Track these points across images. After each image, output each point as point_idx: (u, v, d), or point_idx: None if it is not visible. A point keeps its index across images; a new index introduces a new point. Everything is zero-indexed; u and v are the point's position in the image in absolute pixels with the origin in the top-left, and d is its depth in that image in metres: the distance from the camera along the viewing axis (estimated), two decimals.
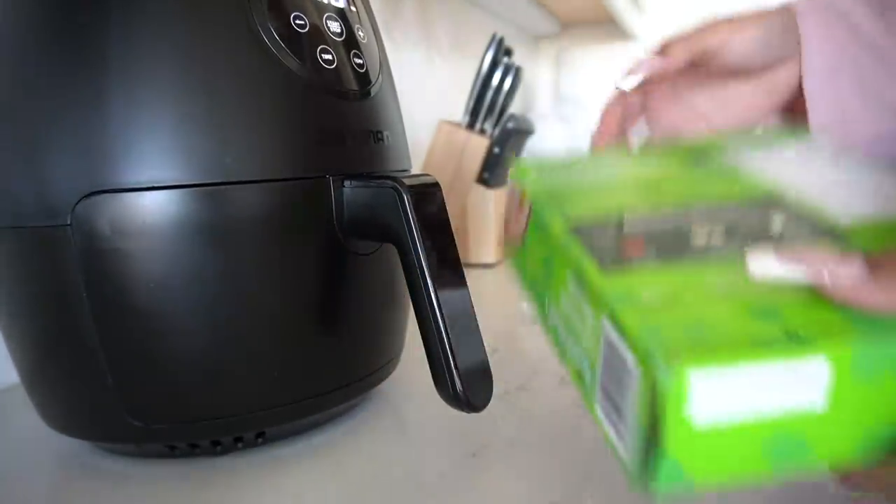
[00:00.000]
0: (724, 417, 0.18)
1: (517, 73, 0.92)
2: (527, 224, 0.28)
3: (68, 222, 0.30)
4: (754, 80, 0.39)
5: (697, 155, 0.32)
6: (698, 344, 0.18)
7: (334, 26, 0.36)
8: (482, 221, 0.91)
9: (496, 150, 0.91)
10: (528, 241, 0.28)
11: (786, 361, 0.18)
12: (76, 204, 0.30)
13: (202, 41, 0.31)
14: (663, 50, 0.38)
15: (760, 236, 0.24)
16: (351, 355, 0.38)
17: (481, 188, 0.90)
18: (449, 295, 0.33)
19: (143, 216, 0.30)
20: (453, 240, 0.34)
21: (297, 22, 0.34)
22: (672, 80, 0.38)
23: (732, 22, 0.38)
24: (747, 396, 0.18)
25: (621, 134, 0.38)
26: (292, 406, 0.36)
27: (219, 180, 0.31)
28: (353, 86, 0.36)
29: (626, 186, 0.29)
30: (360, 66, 0.37)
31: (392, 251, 0.36)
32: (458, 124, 0.92)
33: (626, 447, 0.20)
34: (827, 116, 0.36)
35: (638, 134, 0.38)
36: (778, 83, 0.39)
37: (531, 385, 0.46)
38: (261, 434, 0.36)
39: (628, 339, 0.19)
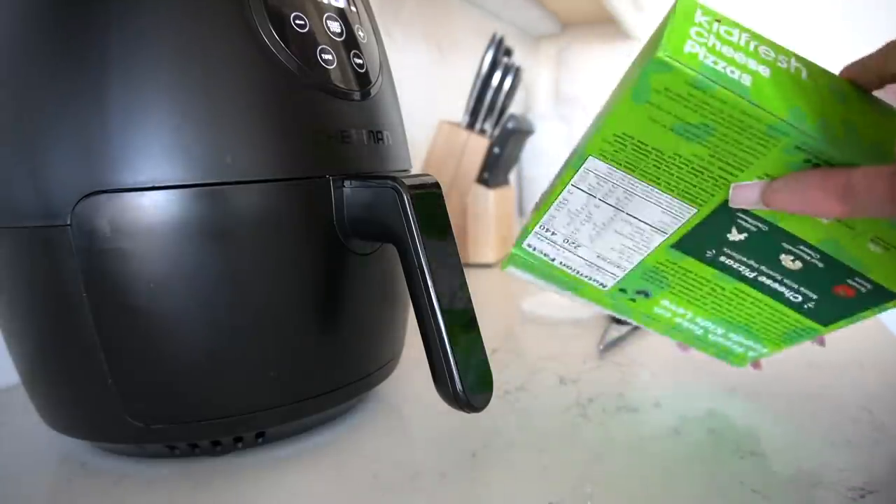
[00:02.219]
0: None
1: (517, 73, 0.92)
2: None
3: (68, 222, 0.30)
4: None
5: None
6: None
7: (334, 26, 0.36)
8: (482, 221, 0.91)
9: (496, 150, 0.91)
10: None
11: None
12: (76, 204, 0.30)
13: (202, 41, 0.31)
14: None
15: None
16: (351, 355, 0.38)
17: (481, 188, 0.90)
18: (449, 295, 0.33)
19: (143, 216, 0.30)
20: (453, 240, 0.34)
21: (297, 22, 0.34)
22: None
23: None
24: None
25: None
26: (292, 406, 0.36)
27: (219, 180, 0.31)
28: (353, 86, 0.36)
29: None
30: (360, 66, 0.37)
31: (392, 251, 0.36)
32: (458, 124, 0.92)
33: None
34: None
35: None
36: None
37: (531, 385, 0.46)
38: (261, 434, 0.36)
39: None
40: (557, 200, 0.36)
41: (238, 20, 0.32)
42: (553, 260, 0.39)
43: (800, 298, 0.37)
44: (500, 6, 1.40)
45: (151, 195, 0.30)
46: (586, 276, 0.39)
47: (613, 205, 0.35)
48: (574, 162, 0.34)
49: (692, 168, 0.32)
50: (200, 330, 0.32)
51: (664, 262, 0.37)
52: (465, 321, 0.34)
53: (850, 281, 0.36)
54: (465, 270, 0.35)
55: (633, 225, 0.35)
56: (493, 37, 0.90)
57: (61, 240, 0.31)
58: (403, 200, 0.33)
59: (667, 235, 0.35)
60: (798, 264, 0.36)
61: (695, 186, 0.33)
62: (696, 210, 0.34)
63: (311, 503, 0.32)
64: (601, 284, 0.39)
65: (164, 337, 0.32)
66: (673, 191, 0.33)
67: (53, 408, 0.36)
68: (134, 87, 0.30)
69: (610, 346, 0.53)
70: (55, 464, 0.37)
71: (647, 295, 0.40)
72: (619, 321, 0.59)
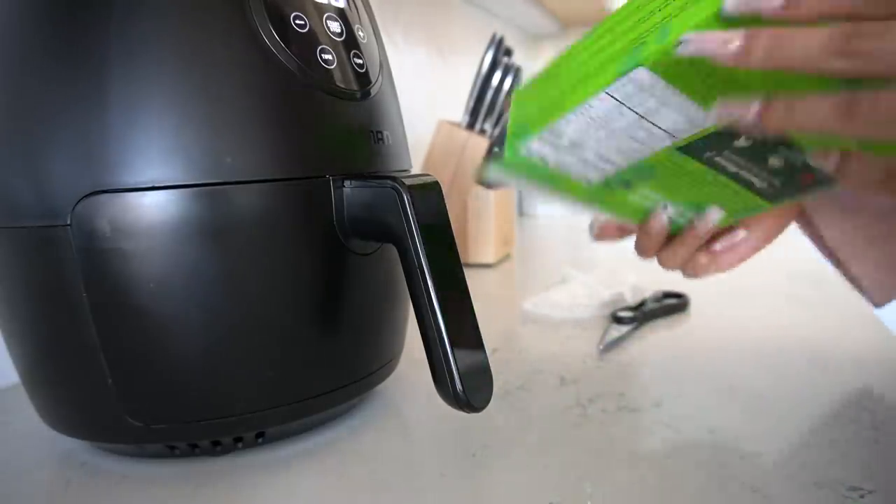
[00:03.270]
0: None
1: (517, 73, 0.92)
2: None
3: (68, 222, 0.30)
4: None
5: None
6: None
7: (334, 26, 0.36)
8: (482, 221, 0.91)
9: (496, 150, 0.91)
10: None
11: None
12: (76, 204, 0.30)
13: (202, 41, 0.31)
14: None
15: None
16: (351, 355, 0.38)
17: (481, 188, 0.90)
18: (449, 295, 0.33)
19: (143, 216, 0.30)
20: (453, 240, 0.34)
21: (297, 22, 0.34)
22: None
23: None
24: None
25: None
26: (292, 406, 0.36)
27: (219, 180, 0.31)
28: (353, 86, 0.36)
29: None
30: (360, 66, 0.37)
31: (392, 251, 0.36)
32: (458, 124, 0.92)
33: None
34: None
35: None
36: None
37: (531, 385, 0.46)
38: (261, 434, 0.36)
39: None
40: (580, 105, 0.34)
41: (238, 20, 0.32)
42: (548, 163, 0.37)
43: (766, 185, 0.39)
44: (500, 6, 1.40)
45: (152, 195, 0.30)
46: (576, 174, 0.37)
47: (641, 114, 0.33)
48: (611, 69, 0.33)
49: (732, 80, 0.31)
50: (200, 330, 0.32)
51: (662, 160, 0.36)
52: (465, 321, 0.34)
53: (813, 172, 0.38)
54: (465, 270, 0.35)
55: (650, 132, 0.34)
56: (493, 37, 0.90)
57: (61, 240, 0.31)
58: (403, 200, 0.33)
59: (677, 139, 0.35)
60: (781, 162, 0.37)
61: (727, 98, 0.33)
62: (714, 122, 0.33)
63: (311, 503, 0.32)
64: (588, 181, 0.38)
65: (164, 337, 0.32)
66: (707, 103, 0.32)
67: (53, 408, 0.36)
68: (134, 87, 0.30)
69: (610, 346, 0.53)
70: (55, 464, 0.37)
71: (627, 185, 0.38)
72: (619, 321, 0.59)
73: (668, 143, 0.35)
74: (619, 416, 0.40)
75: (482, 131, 0.92)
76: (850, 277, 0.46)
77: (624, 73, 0.32)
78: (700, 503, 0.31)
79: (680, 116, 0.33)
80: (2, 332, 0.36)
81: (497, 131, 0.92)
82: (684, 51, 0.29)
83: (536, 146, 0.35)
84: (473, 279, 0.83)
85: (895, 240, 0.43)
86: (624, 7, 0.34)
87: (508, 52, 0.93)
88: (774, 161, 0.37)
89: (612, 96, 0.32)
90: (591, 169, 0.37)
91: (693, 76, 0.31)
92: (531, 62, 1.78)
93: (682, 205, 0.40)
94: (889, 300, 0.46)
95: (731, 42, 0.27)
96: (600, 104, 0.33)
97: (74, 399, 0.34)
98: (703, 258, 0.41)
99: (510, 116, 0.37)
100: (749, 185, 0.39)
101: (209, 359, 0.33)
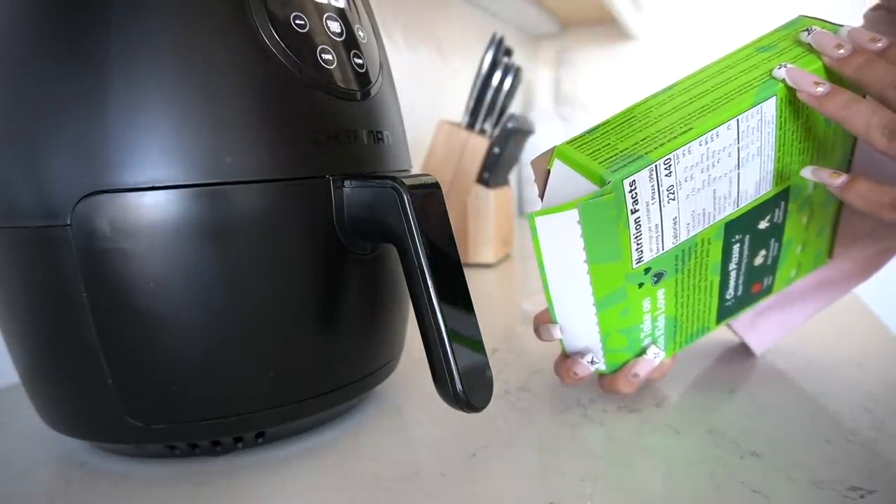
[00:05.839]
0: None
1: (517, 73, 0.92)
2: None
3: (68, 222, 0.30)
4: None
5: None
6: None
7: (334, 26, 0.36)
8: (482, 221, 0.91)
9: (496, 150, 0.91)
10: None
11: None
12: (76, 204, 0.30)
13: (202, 41, 0.31)
14: None
15: None
16: (351, 355, 0.38)
17: (481, 188, 0.90)
18: (449, 295, 0.33)
19: (143, 216, 0.30)
20: (453, 240, 0.34)
21: (297, 22, 0.34)
22: None
23: None
24: None
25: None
26: (292, 406, 0.36)
27: (219, 180, 0.31)
28: (353, 86, 0.36)
29: None
30: (360, 66, 0.37)
31: (392, 251, 0.36)
32: (458, 124, 0.92)
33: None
34: None
35: None
36: None
37: (531, 385, 0.46)
38: (261, 434, 0.36)
39: None
40: (710, 132, 0.31)
41: (238, 20, 0.32)
42: (632, 213, 0.32)
43: (731, 295, 0.41)
44: (500, 6, 1.40)
45: (152, 195, 0.30)
46: (637, 243, 0.34)
47: (741, 158, 0.32)
48: (747, 97, 0.31)
49: (804, 142, 0.34)
50: (200, 330, 0.32)
51: (706, 240, 0.36)
52: (465, 321, 0.34)
53: (765, 278, 0.41)
54: (465, 270, 0.35)
55: (731, 187, 0.33)
56: (493, 37, 0.90)
57: (61, 240, 0.31)
58: (403, 200, 0.33)
59: (734, 210, 0.35)
60: (760, 260, 0.39)
61: (789, 164, 0.35)
62: (770, 188, 0.35)
63: (310, 503, 0.32)
64: (639, 259, 0.35)
65: (164, 337, 0.32)
66: (779, 161, 0.34)
67: (53, 408, 0.36)
68: (135, 87, 0.30)
69: None
70: (55, 464, 0.37)
71: (658, 279, 0.36)
72: None
73: (728, 212, 0.36)
74: (619, 416, 0.40)
75: (482, 131, 0.92)
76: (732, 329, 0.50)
77: (763, 101, 0.33)
78: (700, 503, 0.31)
79: (757, 176, 0.35)
80: (2, 332, 0.36)
81: (497, 131, 0.92)
82: (782, 75, 0.32)
83: (642, 179, 0.32)
84: (473, 279, 0.83)
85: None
86: (712, 65, 0.36)
87: (508, 52, 0.93)
88: (760, 257, 0.39)
89: (740, 125, 0.33)
90: (653, 239, 0.35)
91: (796, 120, 0.34)
92: (531, 62, 1.78)
93: (664, 323, 0.40)
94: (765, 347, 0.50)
95: (819, 85, 0.31)
96: (727, 134, 0.33)
97: (74, 399, 0.34)
98: (623, 385, 0.41)
99: (591, 151, 0.33)
100: (724, 288, 0.40)
101: (209, 359, 0.33)
